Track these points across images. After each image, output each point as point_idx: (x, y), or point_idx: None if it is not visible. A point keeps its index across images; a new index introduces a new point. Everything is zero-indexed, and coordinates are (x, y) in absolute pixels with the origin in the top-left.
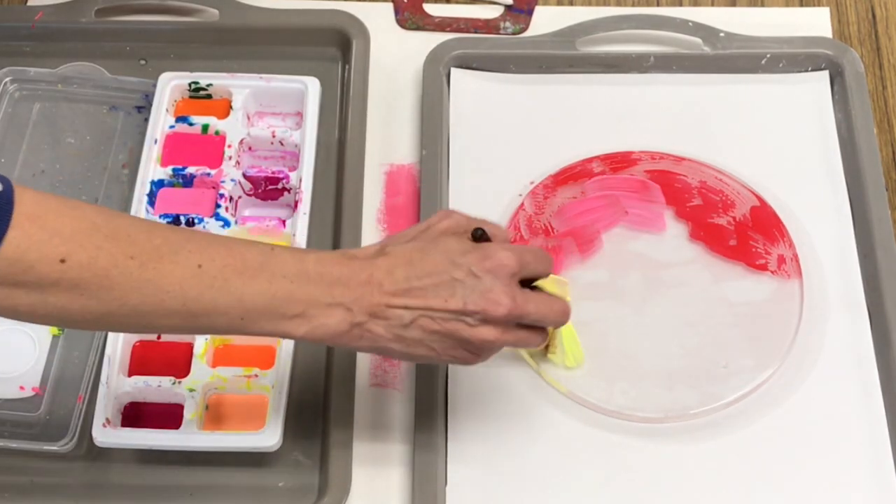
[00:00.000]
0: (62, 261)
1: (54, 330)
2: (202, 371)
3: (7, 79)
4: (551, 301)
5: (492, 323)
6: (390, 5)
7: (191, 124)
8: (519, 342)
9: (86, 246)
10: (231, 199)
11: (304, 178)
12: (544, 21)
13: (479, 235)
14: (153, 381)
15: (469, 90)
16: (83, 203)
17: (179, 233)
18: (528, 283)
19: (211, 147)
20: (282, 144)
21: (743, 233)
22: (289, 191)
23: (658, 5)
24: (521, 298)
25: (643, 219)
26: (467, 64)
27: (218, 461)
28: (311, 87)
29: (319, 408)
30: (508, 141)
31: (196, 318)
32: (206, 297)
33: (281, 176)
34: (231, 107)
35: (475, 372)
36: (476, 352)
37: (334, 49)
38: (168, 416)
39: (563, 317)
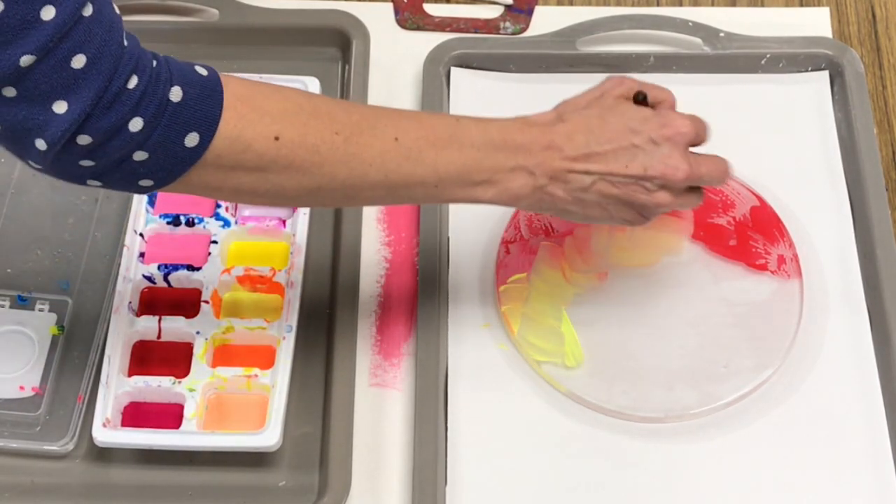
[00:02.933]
0: (276, 138)
1: (54, 330)
2: (202, 371)
3: None
4: (718, 161)
5: (668, 188)
6: (390, 5)
7: None
8: (687, 204)
9: (295, 124)
10: None
11: None
12: (544, 21)
13: (642, 99)
14: (153, 381)
15: (469, 90)
16: (284, 86)
17: (372, 109)
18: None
19: None
20: None
21: (743, 233)
22: None
23: (658, 5)
24: (696, 163)
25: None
26: (467, 64)
27: (218, 461)
28: (311, 87)
29: (319, 408)
30: None
31: (396, 189)
32: (404, 168)
33: None
34: None
35: (475, 372)
36: (647, 214)
37: (334, 49)
38: (168, 416)
39: (726, 175)
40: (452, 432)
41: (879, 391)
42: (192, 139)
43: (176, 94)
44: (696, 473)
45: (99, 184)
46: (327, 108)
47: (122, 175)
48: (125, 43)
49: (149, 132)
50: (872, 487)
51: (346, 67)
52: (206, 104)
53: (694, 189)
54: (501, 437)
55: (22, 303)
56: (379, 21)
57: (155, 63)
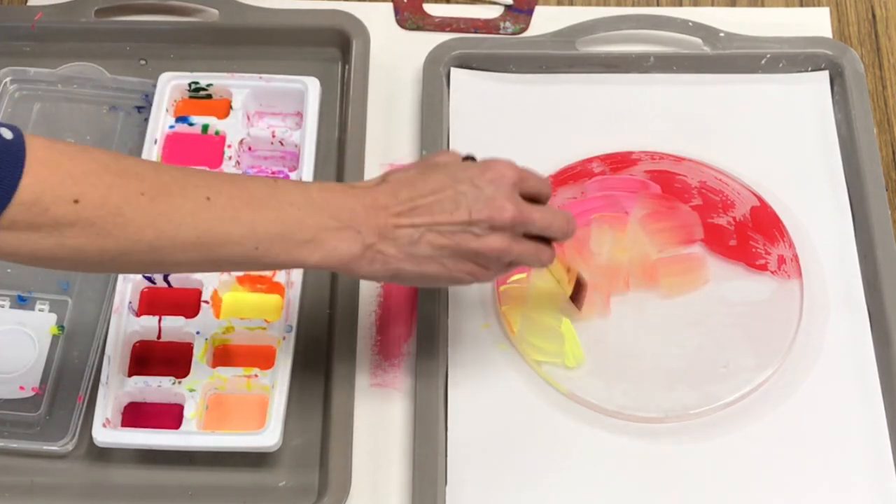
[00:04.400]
0: (76, 201)
1: (54, 329)
2: (202, 371)
3: (7, 79)
4: (554, 212)
5: (499, 230)
6: (390, 5)
7: (191, 124)
8: (527, 253)
9: (97, 185)
10: None
11: (304, 178)
12: (544, 21)
13: (472, 158)
14: (153, 381)
15: (469, 90)
16: (91, 147)
17: (184, 170)
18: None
19: (211, 147)
20: (282, 144)
21: (743, 233)
22: None
23: (658, 5)
24: (525, 206)
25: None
26: (467, 64)
27: (218, 461)
28: (311, 87)
29: (319, 408)
30: (508, 141)
31: (212, 250)
32: (218, 228)
33: (281, 176)
34: (231, 107)
35: (475, 372)
36: (486, 264)
37: (334, 49)
38: (168, 416)
39: (569, 226)
40: (452, 432)
41: (879, 391)
42: None
43: None
44: (696, 473)
45: None
46: (136, 168)
47: None
48: None
49: None
50: (872, 487)
51: (346, 67)
52: (3, 168)
53: (538, 240)
54: (501, 437)
55: (22, 303)
56: (379, 21)
57: None
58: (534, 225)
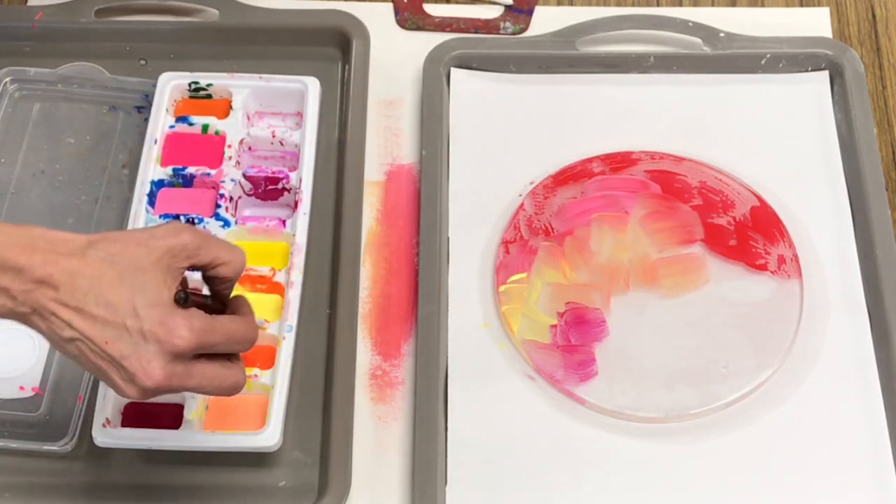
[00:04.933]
0: None
1: None
2: None
3: (7, 79)
4: (223, 376)
5: (139, 388)
6: (390, 5)
7: (191, 124)
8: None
9: None
10: (231, 199)
11: (304, 178)
12: (544, 21)
13: (182, 299)
14: None
15: (469, 90)
16: None
17: None
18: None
19: (211, 147)
20: (282, 144)
21: (743, 233)
22: (289, 191)
23: (658, 5)
24: (181, 375)
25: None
26: (467, 64)
27: (218, 461)
28: (311, 87)
29: (319, 408)
30: (508, 141)
31: None
32: None
33: (281, 176)
34: (231, 107)
35: (475, 372)
36: (123, 396)
37: (334, 49)
38: (168, 416)
39: (234, 390)
40: (452, 432)
41: (879, 391)
42: None
43: None
44: (696, 473)
45: None
46: None
47: None
48: None
49: None
50: (872, 488)
51: (346, 67)
52: None
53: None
54: (501, 437)
55: None
56: (379, 21)
57: None
58: (188, 390)
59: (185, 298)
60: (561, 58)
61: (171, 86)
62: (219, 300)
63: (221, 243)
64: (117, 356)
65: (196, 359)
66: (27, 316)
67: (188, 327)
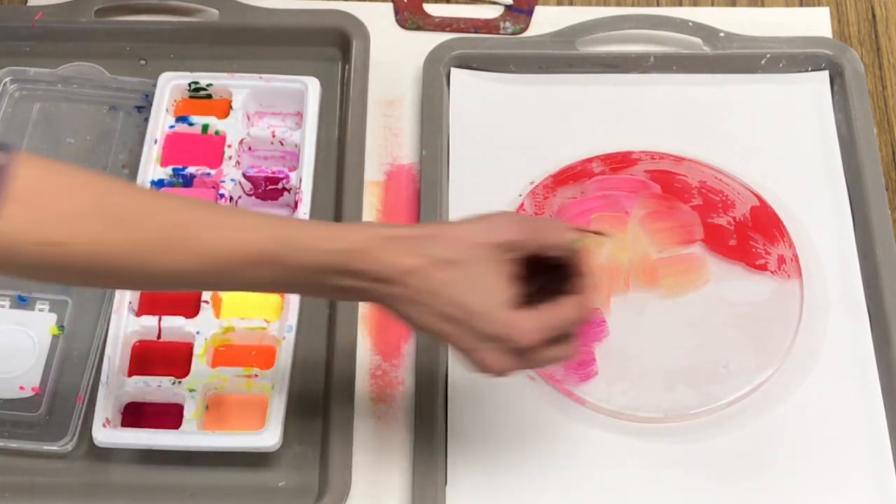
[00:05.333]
0: (62, 243)
1: (54, 329)
2: (202, 371)
3: (7, 79)
4: (556, 353)
5: (484, 372)
6: (390, 5)
7: (191, 124)
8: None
9: (88, 229)
10: (231, 199)
11: (304, 178)
12: (544, 21)
13: (533, 292)
14: (153, 381)
15: (469, 90)
16: (91, 177)
17: (185, 210)
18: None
19: (211, 147)
20: (282, 144)
21: (743, 233)
22: (289, 191)
23: (658, 5)
24: (522, 366)
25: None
26: (467, 64)
27: (218, 461)
28: (311, 87)
29: (319, 408)
30: (508, 141)
31: (207, 289)
32: (211, 281)
33: (281, 176)
34: (231, 107)
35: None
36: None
37: (334, 49)
38: (168, 416)
39: (573, 356)
40: (452, 432)
41: (879, 391)
42: None
43: None
44: (696, 473)
45: None
46: (135, 210)
47: None
48: None
49: None
50: (872, 487)
51: (346, 67)
52: None
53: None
54: (501, 437)
55: (22, 303)
56: (379, 21)
57: None
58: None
59: (526, 295)
60: (561, 58)
61: (171, 86)
62: (558, 283)
63: (546, 227)
64: (464, 349)
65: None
66: (375, 301)
67: (531, 329)
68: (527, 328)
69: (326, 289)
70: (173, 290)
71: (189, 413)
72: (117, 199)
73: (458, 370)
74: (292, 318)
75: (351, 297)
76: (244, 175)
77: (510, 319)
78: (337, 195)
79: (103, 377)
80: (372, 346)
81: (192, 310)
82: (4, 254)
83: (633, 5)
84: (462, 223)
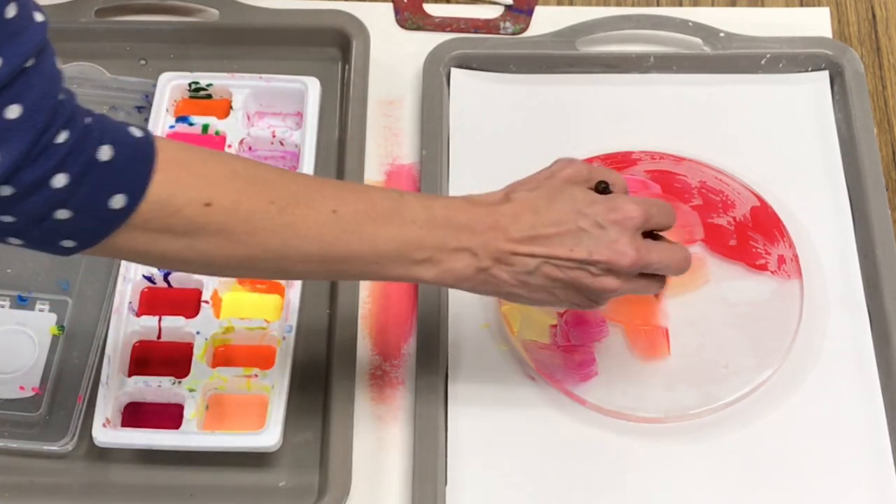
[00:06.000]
0: (207, 204)
1: (54, 330)
2: (202, 371)
3: None
4: (673, 250)
5: (614, 273)
6: (390, 5)
7: (191, 124)
8: (638, 290)
9: (229, 190)
10: None
11: None
12: (544, 21)
13: (603, 189)
14: (153, 381)
15: (469, 90)
16: (222, 152)
17: (313, 179)
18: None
19: (211, 147)
20: (282, 144)
21: (743, 233)
22: None
23: (658, 5)
24: (645, 249)
25: None
26: (467, 64)
27: (218, 461)
28: (311, 87)
29: (319, 408)
30: (508, 141)
31: (333, 264)
32: (341, 241)
33: None
34: (231, 107)
35: (475, 372)
36: (596, 299)
37: (334, 49)
38: (168, 416)
39: (684, 264)
40: (452, 432)
41: (879, 391)
42: (118, 201)
43: (105, 153)
44: (696, 473)
45: (20, 242)
46: (265, 176)
47: (42, 233)
48: (61, 97)
49: (73, 190)
50: (872, 487)
51: (346, 67)
52: (135, 166)
53: (650, 276)
54: (501, 437)
55: (22, 303)
56: (379, 21)
57: (88, 120)
58: (651, 267)
59: (604, 188)
60: (561, 58)
61: (171, 86)
62: None
63: (604, 169)
64: (586, 256)
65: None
66: (488, 270)
67: (632, 202)
68: (626, 201)
69: (445, 256)
70: (301, 266)
71: (189, 413)
72: (250, 168)
73: (458, 370)
74: (292, 318)
75: (468, 269)
76: None
77: (613, 200)
78: None
79: (103, 377)
80: (372, 346)
81: (192, 310)
82: (166, 213)
83: (633, 5)
84: (525, 177)
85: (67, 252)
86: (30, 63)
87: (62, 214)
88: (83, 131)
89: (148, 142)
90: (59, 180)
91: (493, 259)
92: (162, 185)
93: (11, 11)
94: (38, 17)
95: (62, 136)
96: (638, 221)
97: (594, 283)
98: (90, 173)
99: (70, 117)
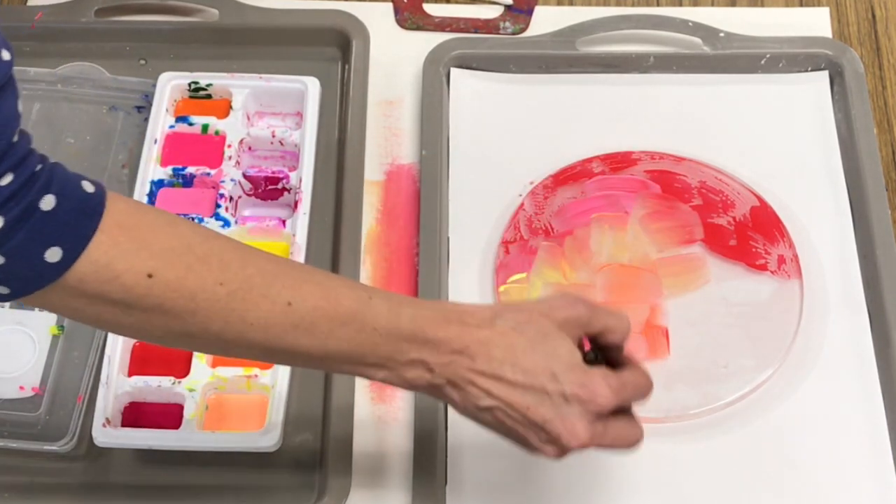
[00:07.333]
0: (149, 275)
1: (54, 329)
2: (202, 371)
3: None
4: (628, 434)
5: (560, 448)
6: (390, 5)
7: (191, 124)
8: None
9: (175, 265)
10: (231, 199)
11: (304, 178)
12: (544, 21)
13: (590, 360)
14: (153, 381)
15: (469, 90)
16: (181, 219)
17: (275, 263)
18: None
19: (211, 147)
20: (282, 144)
21: (743, 233)
22: (289, 191)
23: (658, 5)
24: (600, 434)
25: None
26: (467, 64)
27: (218, 461)
28: (311, 87)
29: (319, 408)
30: (508, 141)
31: (274, 355)
32: (289, 335)
33: (281, 176)
34: (231, 107)
35: None
36: (532, 454)
37: (334, 49)
38: (168, 416)
39: (634, 447)
40: (452, 432)
41: (879, 391)
42: (53, 254)
43: (48, 202)
44: (696, 473)
45: None
46: (222, 254)
47: None
48: (15, 139)
49: (9, 235)
50: (872, 487)
51: (346, 67)
52: (78, 220)
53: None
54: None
55: None
56: (379, 21)
57: (39, 167)
58: (601, 448)
59: (594, 358)
60: (561, 58)
61: (171, 86)
62: (610, 364)
63: (608, 312)
64: (539, 420)
65: (610, 416)
66: (441, 388)
67: (608, 387)
68: (601, 384)
69: (399, 364)
70: (241, 350)
71: (189, 413)
72: (206, 243)
73: None
74: None
75: (420, 381)
76: (244, 175)
77: (589, 377)
78: (337, 195)
79: (103, 377)
80: None
81: None
82: (103, 277)
83: (633, 5)
84: (533, 301)
85: (1, 298)
86: None
87: None
88: (30, 177)
89: (98, 199)
90: None
91: (448, 381)
92: (103, 246)
93: None
94: (5, 56)
95: (6, 179)
96: (605, 408)
97: (538, 445)
98: (29, 220)
99: (20, 161)
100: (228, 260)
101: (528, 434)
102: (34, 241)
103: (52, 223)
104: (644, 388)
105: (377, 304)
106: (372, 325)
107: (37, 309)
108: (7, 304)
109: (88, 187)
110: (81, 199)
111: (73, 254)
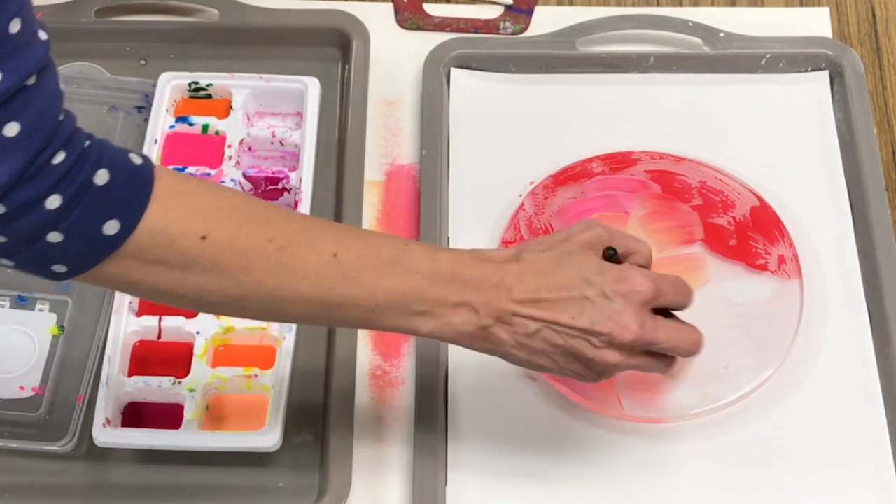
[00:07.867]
0: (203, 237)
1: (54, 330)
2: (202, 371)
3: None
4: (683, 331)
5: (616, 347)
6: (390, 5)
7: (191, 124)
8: (643, 367)
9: (226, 224)
10: None
11: (304, 178)
12: (544, 21)
13: (611, 255)
14: (153, 381)
15: (469, 90)
16: (222, 185)
17: (316, 221)
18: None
19: (211, 147)
20: (282, 144)
21: (743, 233)
22: (289, 191)
23: (658, 5)
24: (651, 326)
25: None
26: (467, 64)
27: (218, 461)
28: (311, 87)
29: (319, 408)
30: (508, 141)
31: (329, 309)
32: (339, 286)
33: (281, 176)
34: (231, 107)
35: (475, 372)
36: (598, 371)
37: (334, 49)
38: (168, 416)
39: (694, 347)
40: (452, 432)
41: (879, 391)
42: (111, 226)
43: (102, 176)
44: (696, 473)
45: (10, 264)
46: (266, 213)
47: (32, 256)
48: (61, 118)
49: (66, 212)
50: (872, 487)
51: (346, 67)
52: (132, 192)
53: (657, 354)
54: (501, 436)
55: (22, 303)
56: (379, 21)
57: (87, 143)
58: (656, 346)
59: (612, 255)
60: (561, 58)
61: (171, 86)
62: None
63: (627, 235)
64: (587, 325)
65: (659, 315)
66: (489, 329)
67: (644, 275)
68: (637, 273)
69: (446, 310)
70: (296, 309)
71: (189, 413)
72: (251, 204)
73: (458, 370)
74: None
75: (468, 326)
76: (244, 175)
77: (622, 270)
78: (337, 195)
79: (103, 377)
80: (372, 346)
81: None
82: (160, 243)
83: (633, 5)
84: (541, 237)
85: (58, 277)
86: (31, 81)
87: (54, 237)
88: (81, 153)
89: (147, 169)
90: (53, 202)
91: (495, 318)
92: (158, 214)
93: (15, 27)
94: (42, 36)
95: (59, 157)
96: (646, 296)
97: (595, 354)
98: (85, 196)
99: (69, 139)
100: (274, 218)
101: (582, 347)
102: (92, 216)
103: (108, 197)
104: (681, 285)
105: (414, 250)
106: (414, 268)
107: (37, 309)
108: (7, 304)
109: (136, 159)
110: (132, 171)
111: (130, 224)
